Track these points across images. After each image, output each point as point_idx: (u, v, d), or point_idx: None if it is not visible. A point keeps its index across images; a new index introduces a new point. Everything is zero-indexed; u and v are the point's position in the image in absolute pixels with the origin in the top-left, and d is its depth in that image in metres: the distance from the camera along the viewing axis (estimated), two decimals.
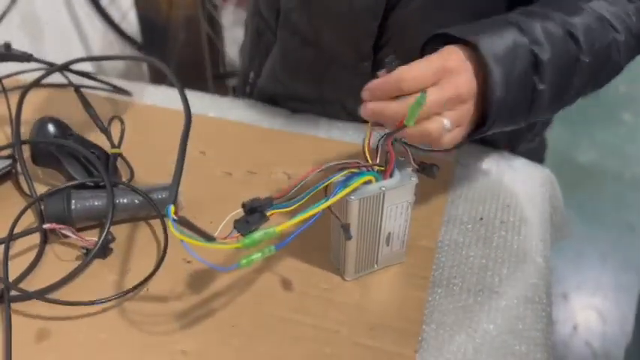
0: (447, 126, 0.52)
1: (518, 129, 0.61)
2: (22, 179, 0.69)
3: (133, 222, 0.65)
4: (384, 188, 0.53)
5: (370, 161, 0.54)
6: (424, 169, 0.57)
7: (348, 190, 0.51)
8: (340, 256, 0.58)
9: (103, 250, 0.60)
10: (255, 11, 0.86)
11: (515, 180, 0.72)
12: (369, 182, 0.53)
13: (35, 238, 0.61)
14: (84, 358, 0.52)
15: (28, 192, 0.67)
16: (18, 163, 0.68)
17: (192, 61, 1.68)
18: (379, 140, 0.53)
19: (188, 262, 0.60)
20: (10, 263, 0.58)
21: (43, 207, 0.62)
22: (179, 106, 0.61)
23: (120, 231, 0.63)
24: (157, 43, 1.72)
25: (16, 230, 0.60)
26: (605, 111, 2.21)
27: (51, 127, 0.68)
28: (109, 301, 0.56)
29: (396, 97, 0.52)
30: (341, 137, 0.78)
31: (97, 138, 0.70)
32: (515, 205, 0.68)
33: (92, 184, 0.65)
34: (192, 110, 0.60)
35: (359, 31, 0.71)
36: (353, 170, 0.53)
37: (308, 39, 0.77)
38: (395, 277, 0.60)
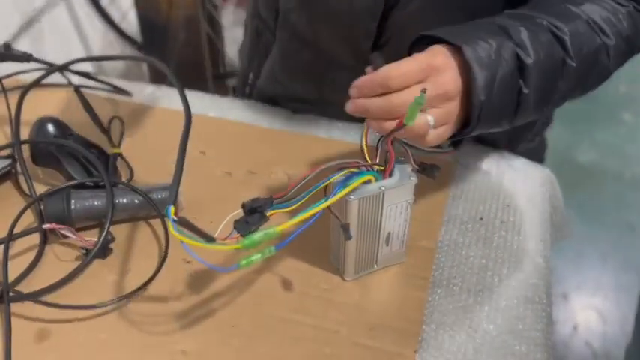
0: (432, 123, 0.53)
1: (519, 129, 0.61)
2: (21, 179, 0.69)
3: (132, 222, 0.65)
4: (383, 188, 0.53)
5: (368, 158, 0.54)
6: (424, 169, 0.57)
7: (347, 189, 0.51)
8: (340, 256, 0.58)
9: (103, 250, 0.60)
10: (254, 12, 0.86)
11: (516, 180, 0.72)
12: (368, 182, 0.53)
13: (35, 238, 0.61)
14: (84, 359, 0.52)
15: (27, 192, 0.67)
16: (18, 163, 0.68)
17: (192, 61, 1.68)
18: (379, 140, 0.53)
19: (188, 262, 0.60)
20: (9, 263, 0.58)
21: (42, 207, 0.62)
22: (179, 106, 0.61)
23: (120, 231, 0.63)
24: (156, 43, 1.72)
25: (16, 230, 0.60)
26: (605, 111, 2.21)
27: (51, 127, 0.68)
28: (109, 305, 0.56)
29: (383, 94, 0.53)
30: (341, 137, 0.78)
31: (97, 138, 0.71)
32: (515, 205, 0.68)
33: (92, 184, 0.65)
34: (192, 110, 0.60)
35: (358, 32, 0.71)
36: (353, 170, 0.53)
37: (307, 39, 0.77)
38: (395, 277, 0.60)
